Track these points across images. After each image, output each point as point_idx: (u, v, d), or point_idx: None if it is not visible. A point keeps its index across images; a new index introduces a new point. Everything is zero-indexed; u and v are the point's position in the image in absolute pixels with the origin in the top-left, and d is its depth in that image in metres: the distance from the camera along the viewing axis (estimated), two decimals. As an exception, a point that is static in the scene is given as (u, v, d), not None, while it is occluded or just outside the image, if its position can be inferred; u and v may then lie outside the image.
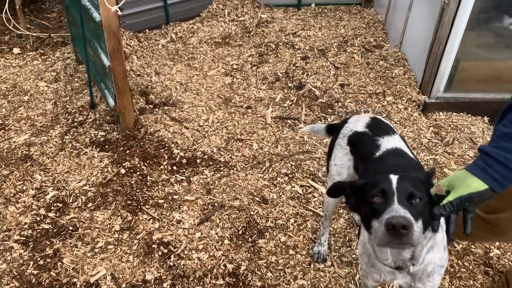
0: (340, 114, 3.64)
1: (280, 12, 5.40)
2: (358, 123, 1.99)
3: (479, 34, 3.53)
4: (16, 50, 4.42)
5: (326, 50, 4.58)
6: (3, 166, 3.00)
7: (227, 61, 4.46)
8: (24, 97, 3.71)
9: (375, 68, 4.20)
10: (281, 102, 3.82)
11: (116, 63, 3.01)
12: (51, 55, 4.39)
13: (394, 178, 1.41)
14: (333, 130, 2.20)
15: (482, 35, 3.56)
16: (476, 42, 3.56)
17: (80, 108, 3.59)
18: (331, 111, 3.69)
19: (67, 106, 3.62)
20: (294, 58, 4.46)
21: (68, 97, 3.74)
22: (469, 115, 3.58)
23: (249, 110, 3.71)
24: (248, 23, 5.11)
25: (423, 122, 3.50)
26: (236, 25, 5.08)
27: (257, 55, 4.54)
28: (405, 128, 3.44)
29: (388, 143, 1.82)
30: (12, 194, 2.78)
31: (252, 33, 4.94)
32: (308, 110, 3.71)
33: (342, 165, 2.03)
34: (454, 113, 3.58)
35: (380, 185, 1.40)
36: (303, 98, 3.86)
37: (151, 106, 3.73)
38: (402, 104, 3.67)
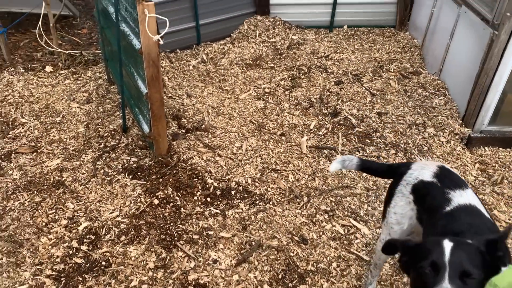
0: (379, 145, 3.50)
1: (311, 34, 5.30)
2: (424, 172, 1.86)
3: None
4: (48, 68, 4.41)
5: (361, 75, 4.45)
6: (35, 192, 2.94)
7: (259, 84, 4.38)
8: (57, 119, 3.67)
9: (413, 96, 4.05)
10: (316, 129, 3.70)
11: (154, 90, 2.94)
12: (82, 74, 4.37)
13: (448, 246, 1.30)
14: (391, 173, 2.06)
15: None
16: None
17: (113, 132, 3.53)
18: (369, 141, 3.55)
19: (99, 129, 3.57)
20: (328, 82, 4.34)
21: (100, 120, 3.69)
22: (517, 151, 3.40)
23: (283, 138, 3.60)
24: (279, 45, 5.02)
25: (467, 157, 3.33)
26: (267, 47, 5.00)
27: (289, 78, 4.44)
28: (448, 163, 3.27)
29: (460, 197, 1.69)
30: (44, 224, 2.71)
31: (283, 55, 4.85)
32: (345, 140, 3.57)
33: (403, 214, 1.90)
34: (500, 149, 3.40)
35: (432, 256, 1.30)
36: (338, 126, 3.74)
37: (183, 131, 3.65)
38: (444, 137, 3.51)
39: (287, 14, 5.33)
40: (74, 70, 4.45)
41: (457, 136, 3.50)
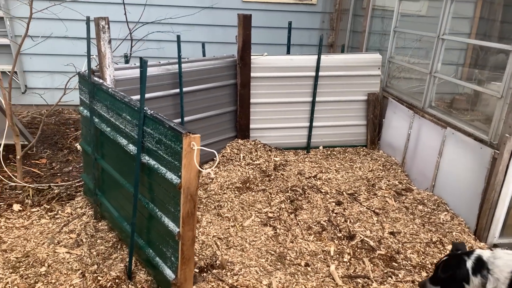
0: (407, 268, 3.36)
1: (291, 155, 5.38)
2: None
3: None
4: (16, 207, 3.75)
5: (356, 194, 4.48)
6: None
7: (258, 208, 4.15)
8: (41, 269, 2.99)
9: (415, 213, 4.11)
10: (337, 256, 3.48)
11: (188, 228, 2.57)
12: (59, 211, 3.77)
13: None
14: None
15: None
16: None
17: (116, 280, 2.94)
18: (396, 264, 3.40)
19: (99, 278, 2.95)
20: (328, 203, 4.27)
21: (96, 265, 3.08)
22: (534, 261, 3.48)
23: (309, 268, 3.30)
24: (265, 167, 4.97)
25: (497, 273, 3.30)
26: (253, 169, 4.90)
27: (288, 200, 4.30)
28: (484, 281, 3.20)
29: None
30: None
31: (272, 177, 4.77)
32: (372, 265, 3.38)
33: None
34: (521, 261, 3.46)
35: None
36: (359, 250, 3.56)
37: (197, 271, 3.18)
38: (466, 253, 3.50)
39: (266, 137, 5.42)
40: (47, 207, 3.84)
41: (477, 251, 3.52)
